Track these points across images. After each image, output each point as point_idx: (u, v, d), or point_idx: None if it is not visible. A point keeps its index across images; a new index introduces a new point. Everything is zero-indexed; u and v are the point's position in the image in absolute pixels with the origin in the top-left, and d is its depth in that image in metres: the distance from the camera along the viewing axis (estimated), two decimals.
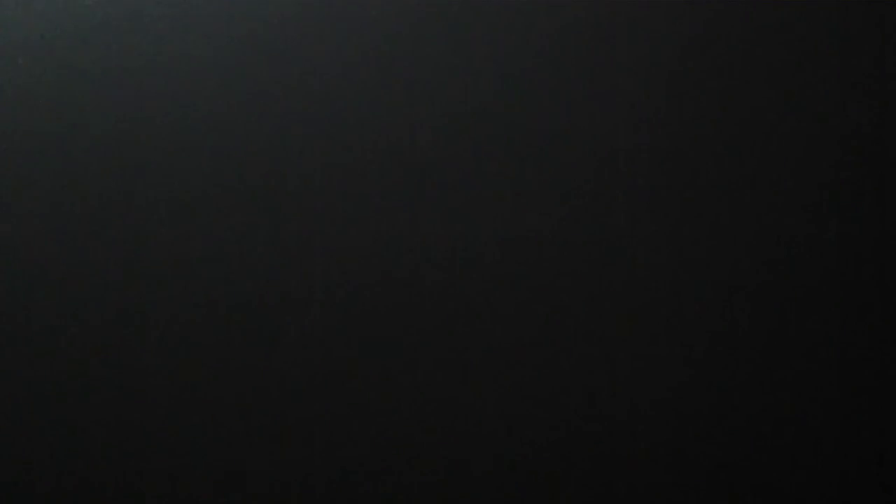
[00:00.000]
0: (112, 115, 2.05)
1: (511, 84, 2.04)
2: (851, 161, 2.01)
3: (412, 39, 2.05)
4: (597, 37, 2.04)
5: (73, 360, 2.03)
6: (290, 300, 2.02)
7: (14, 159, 2.05)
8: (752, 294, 2.00)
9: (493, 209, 2.02)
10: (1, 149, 2.06)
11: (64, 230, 2.04)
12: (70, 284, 2.04)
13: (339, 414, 2.01)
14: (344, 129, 2.04)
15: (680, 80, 2.03)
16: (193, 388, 2.02)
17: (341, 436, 2.01)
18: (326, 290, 2.02)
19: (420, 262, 2.02)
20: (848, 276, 2.00)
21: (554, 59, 2.04)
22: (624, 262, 2.01)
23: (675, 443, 1.99)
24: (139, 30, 2.06)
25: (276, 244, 2.03)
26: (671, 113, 2.03)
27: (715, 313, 2.00)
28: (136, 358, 2.03)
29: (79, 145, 2.05)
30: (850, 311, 2.00)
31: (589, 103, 2.03)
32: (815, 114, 2.02)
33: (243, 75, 2.05)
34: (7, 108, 2.06)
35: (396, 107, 2.05)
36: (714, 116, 2.03)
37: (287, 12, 2.06)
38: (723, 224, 2.01)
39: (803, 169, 2.01)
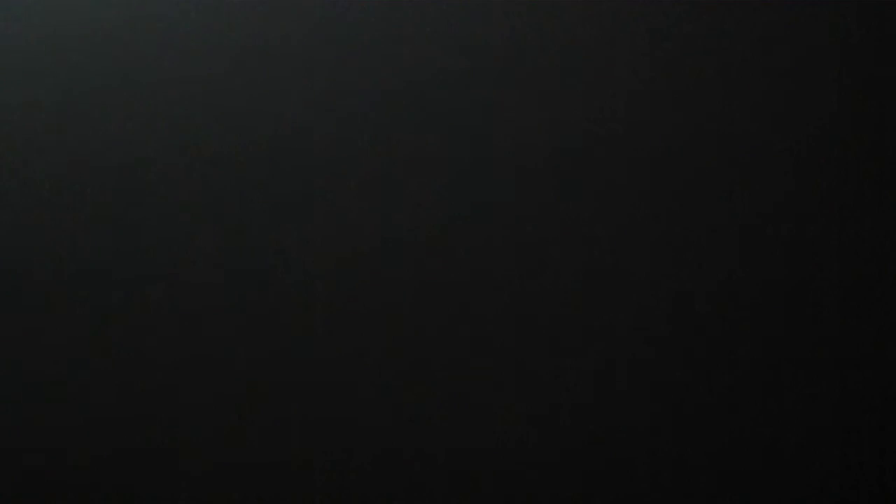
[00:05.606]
0: (111, 113, 2.06)
1: (509, 82, 2.04)
2: (851, 161, 2.02)
3: (406, 36, 2.06)
4: (596, 35, 2.04)
5: (72, 356, 2.04)
6: (290, 298, 2.03)
7: (14, 159, 2.06)
8: (751, 293, 2.00)
9: (491, 206, 2.03)
10: (1, 148, 2.06)
11: (62, 225, 2.05)
12: (68, 281, 2.04)
13: (338, 412, 2.02)
14: (343, 127, 2.05)
15: (678, 79, 2.03)
16: (192, 386, 2.03)
17: (340, 434, 2.02)
18: (326, 287, 2.03)
19: (418, 260, 2.03)
20: (847, 276, 2.00)
21: (551, 56, 2.04)
22: (623, 260, 2.02)
23: (673, 443, 2.00)
24: (139, 30, 2.07)
25: (275, 244, 2.04)
26: (669, 111, 2.03)
27: (714, 312, 2.01)
28: (135, 355, 2.04)
29: (79, 142, 2.06)
30: (850, 310, 2.00)
31: (588, 101, 2.03)
32: (815, 113, 2.02)
33: (240, 73, 2.06)
34: (7, 108, 2.07)
35: (397, 102, 2.05)
36: (711, 115, 2.03)
37: (283, 14, 2.06)
38: (720, 223, 2.02)
39: (802, 168, 2.02)
